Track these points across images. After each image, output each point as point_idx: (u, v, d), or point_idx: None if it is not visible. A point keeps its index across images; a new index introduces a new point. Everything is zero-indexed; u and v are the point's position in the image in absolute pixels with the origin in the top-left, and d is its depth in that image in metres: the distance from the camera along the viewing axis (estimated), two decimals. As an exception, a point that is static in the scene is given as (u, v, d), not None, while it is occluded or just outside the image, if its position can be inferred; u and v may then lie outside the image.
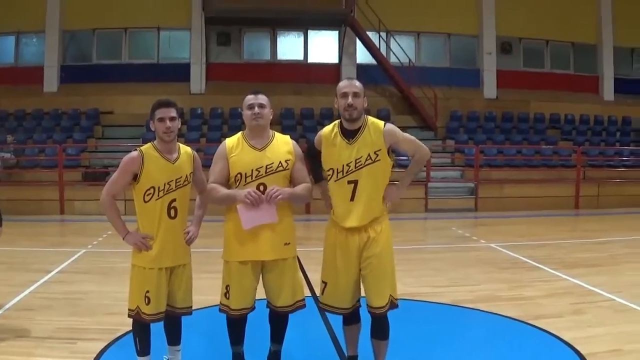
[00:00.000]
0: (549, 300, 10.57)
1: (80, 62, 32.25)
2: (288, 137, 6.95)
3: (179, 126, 6.72)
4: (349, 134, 6.54)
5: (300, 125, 29.91)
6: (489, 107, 32.70)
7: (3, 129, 27.47)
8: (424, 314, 9.90)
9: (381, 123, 6.59)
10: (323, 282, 6.79)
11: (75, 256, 14.95)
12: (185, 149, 6.83)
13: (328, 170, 6.62)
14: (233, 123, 28.34)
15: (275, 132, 6.91)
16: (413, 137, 6.82)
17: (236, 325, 6.79)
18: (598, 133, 32.29)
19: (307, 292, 6.92)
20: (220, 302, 6.76)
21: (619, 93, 34.77)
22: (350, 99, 6.43)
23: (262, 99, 6.71)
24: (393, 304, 6.57)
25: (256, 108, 6.62)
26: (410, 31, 33.44)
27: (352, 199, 6.49)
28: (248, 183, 6.53)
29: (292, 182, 6.75)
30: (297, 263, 6.91)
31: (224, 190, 6.60)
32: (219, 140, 23.80)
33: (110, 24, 31.71)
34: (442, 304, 10.44)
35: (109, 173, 24.87)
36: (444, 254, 15.93)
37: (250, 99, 6.71)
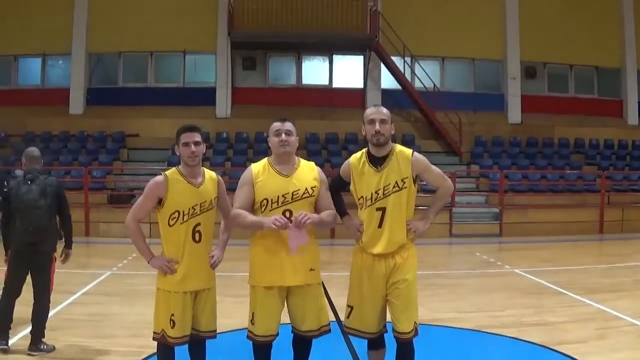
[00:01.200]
0: (573, 326, 10.52)
1: (106, 85, 32.45)
2: (313, 163, 6.99)
3: (204, 151, 6.76)
4: (377, 161, 6.58)
5: (325, 150, 29.94)
6: (513, 132, 32.62)
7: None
8: (448, 339, 9.87)
9: (409, 151, 6.64)
10: (349, 306, 6.79)
11: (100, 278, 15.04)
12: (210, 174, 6.87)
13: (359, 199, 6.66)
14: (258, 147, 28.40)
15: (301, 159, 6.94)
16: (439, 170, 6.87)
17: (261, 352, 6.76)
18: (622, 157, 32.10)
19: (332, 317, 6.90)
20: (248, 329, 6.77)
21: (643, 117, 34.59)
22: (377, 126, 6.47)
23: (289, 126, 6.73)
24: (417, 330, 6.57)
25: (283, 135, 6.65)
26: (435, 56, 33.44)
27: (379, 225, 6.52)
28: (274, 209, 6.55)
29: (317, 208, 6.77)
30: (322, 288, 6.91)
31: (250, 217, 6.61)
32: (244, 165, 23.98)
33: (136, 47, 31.92)
34: (466, 329, 10.42)
35: (134, 196, 24.97)
36: (468, 280, 15.93)
37: (277, 126, 6.73)
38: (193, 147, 6.57)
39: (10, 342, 8.86)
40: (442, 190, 6.83)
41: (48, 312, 9.06)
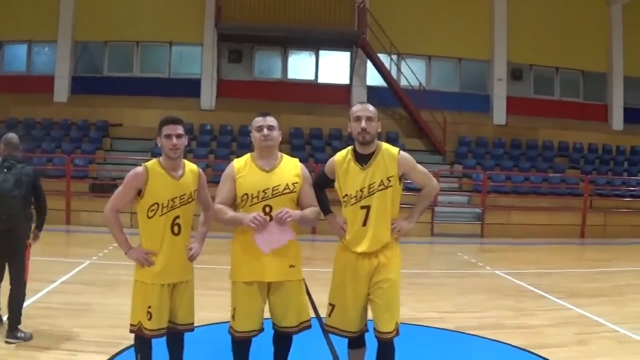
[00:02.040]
0: (553, 330, 10.52)
1: (91, 74, 32.31)
2: (297, 160, 6.95)
3: (186, 143, 6.73)
4: (362, 159, 6.55)
5: (309, 145, 29.95)
6: (498, 133, 32.71)
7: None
8: (428, 339, 9.85)
9: (395, 150, 6.62)
10: (330, 304, 6.76)
11: (80, 267, 14.98)
12: (190, 167, 6.84)
13: (343, 197, 6.63)
14: (242, 140, 28.34)
15: (284, 155, 6.91)
16: (425, 170, 6.85)
17: (239, 348, 6.73)
18: (606, 162, 32.28)
19: (312, 314, 6.85)
20: (229, 324, 6.73)
21: (628, 122, 34.66)
22: (363, 123, 6.44)
23: (271, 120, 6.70)
24: (398, 330, 6.54)
25: (265, 130, 6.62)
26: (422, 54, 33.45)
27: (364, 224, 6.49)
28: (254, 204, 6.52)
29: (299, 205, 6.74)
30: (303, 285, 6.87)
31: (230, 213, 6.59)
32: (228, 157, 23.95)
33: (123, 37, 31.78)
34: (446, 329, 10.40)
35: (117, 185, 24.67)
36: (449, 279, 15.93)
37: (259, 120, 6.70)
38: (175, 140, 6.53)
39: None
40: (428, 190, 6.82)
41: (24, 299, 9.05)
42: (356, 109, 6.61)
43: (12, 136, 9.31)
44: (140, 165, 6.66)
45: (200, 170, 6.93)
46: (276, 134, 6.71)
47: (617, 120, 34.71)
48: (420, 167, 6.76)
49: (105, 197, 22.78)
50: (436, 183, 6.91)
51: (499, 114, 33.46)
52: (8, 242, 8.81)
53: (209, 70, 31.65)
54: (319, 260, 15.36)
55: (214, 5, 30.81)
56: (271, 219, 6.46)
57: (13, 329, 8.74)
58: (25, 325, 8.85)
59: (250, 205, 6.50)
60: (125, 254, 6.62)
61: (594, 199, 28.54)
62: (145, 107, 29.93)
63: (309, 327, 6.82)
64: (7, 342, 8.62)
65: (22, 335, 8.74)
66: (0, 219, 8.63)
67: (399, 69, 32.66)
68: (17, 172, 8.84)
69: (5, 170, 8.79)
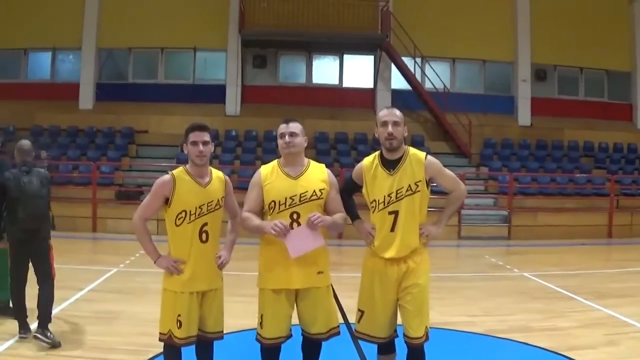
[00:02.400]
0: (582, 331, 10.46)
1: (116, 81, 32.49)
2: (323, 165, 6.95)
3: (212, 150, 6.74)
4: (390, 164, 6.54)
5: (335, 150, 29.89)
6: (523, 134, 32.58)
7: (37, 144, 27.57)
8: (457, 343, 9.81)
9: (422, 154, 6.61)
10: (360, 310, 6.75)
11: (107, 275, 15.02)
12: (217, 174, 6.84)
13: (371, 202, 6.62)
14: (267, 146, 28.36)
15: (311, 161, 6.91)
16: (452, 174, 6.83)
17: (269, 355, 6.74)
18: (631, 161, 32.04)
19: (341, 319, 6.85)
20: (256, 331, 6.74)
21: (653, 121, 34.50)
22: (390, 128, 6.44)
23: (293, 127, 6.69)
24: (427, 335, 6.51)
25: (287, 137, 6.63)
26: (445, 57, 33.38)
27: (392, 229, 6.48)
28: (282, 211, 6.53)
29: (326, 211, 6.73)
30: (331, 291, 6.87)
31: (256, 221, 6.61)
32: (254, 163, 24.01)
33: (147, 43, 31.91)
34: (475, 333, 10.37)
35: (143, 192, 24.98)
36: (477, 283, 15.81)
37: (282, 127, 6.71)
38: (201, 147, 6.54)
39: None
40: (456, 194, 6.80)
41: (53, 298, 9.27)
42: (383, 114, 6.60)
43: (25, 142, 9.51)
44: (167, 173, 6.68)
45: (227, 178, 6.93)
46: (299, 140, 6.71)
47: (642, 119, 34.52)
48: (447, 171, 6.74)
49: (131, 204, 22.98)
50: (464, 187, 6.90)
51: (524, 115, 33.33)
52: (34, 242, 9.04)
53: (233, 76, 31.66)
54: (346, 265, 15.38)
55: (237, 11, 30.90)
56: (299, 225, 6.47)
57: (44, 328, 8.87)
58: (54, 331, 8.91)
59: (278, 212, 6.52)
60: (154, 262, 6.63)
61: (620, 199, 28.37)
62: (171, 113, 30.07)
63: (338, 333, 6.82)
64: (35, 337, 8.78)
65: (52, 336, 8.83)
66: (30, 220, 8.85)
67: (423, 72, 32.59)
68: (37, 173, 9.03)
69: (26, 173, 8.94)
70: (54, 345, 8.75)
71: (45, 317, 8.94)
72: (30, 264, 9.14)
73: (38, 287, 9.08)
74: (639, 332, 10.51)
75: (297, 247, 6.40)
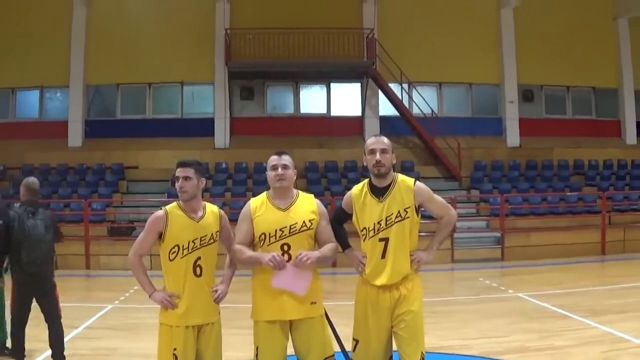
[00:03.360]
0: (579, 349, 10.51)
1: (105, 117, 32.51)
2: (312, 196, 6.98)
3: (199, 185, 6.75)
4: (379, 192, 6.59)
5: (325, 179, 29.90)
6: (512, 155, 32.62)
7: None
8: (454, 367, 9.83)
9: (411, 181, 6.66)
10: (354, 339, 6.75)
11: (103, 311, 15.02)
12: (211, 208, 6.86)
13: (362, 230, 6.65)
14: (258, 177, 28.36)
15: (300, 192, 6.94)
16: (442, 199, 6.87)
17: None
18: (622, 177, 32.06)
19: (336, 348, 6.84)
20: None
21: (641, 136, 34.62)
22: (378, 156, 6.50)
23: (285, 160, 6.72)
24: None
25: (279, 169, 6.65)
26: (432, 82, 33.49)
27: (383, 256, 6.51)
28: (272, 243, 6.55)
29: (317, 241, 6.76)
30: (325, 320, 6.86)
31: (248, 252, 6.63)
32: (244, 195, 24.05)
33: (134, 79, 31.99)
34: (472, 356, 10.39)
35: (135, 228, 25.00)
36: (472, 305, 15.85)
37: (273, 159, 6.74)
38: (181, 182, 6.60)
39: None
40: (446, 219, 6.83)
41: (64, 336, 9.36)
42: (370, 142, 6.66)
43: (34, 181, 9.51)
44: (161, 208, 6.72)
45: (222, 212, 6.95)
46: (290, 173, 6.73)
47: (630, 134, 34.60)
48: (437, 197, 6.78)
49: (124, 240, 22.94)
50: (454, 213, 6.95)
51: (513, 136, 33.40)
52: (38, 284, 9.10)
53: (221, 109, 31.72)
54: (341, 293, 15.32)
55: (223, 43, 30.94)
56: (289, 258, 6.50)
57: None
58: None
59: (269, 245, 6.53)
60: (150, 297, 6.64)
61: (612, 215, 28.39)
62: (160, 148, 30.11)
63: (333, 362, 6.81)
64: None
65: None
66: (34, 264, 8.94)
67: (410, 98, 32.67)
68: (43, 216, 9.05)
69: (31, 215, 8.94)
70: None
71: (60, 354, 9.07)
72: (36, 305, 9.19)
73: (48, 327, 9.13)
74: (636, 347, 10.56)
75: (285, 282, 6.45)
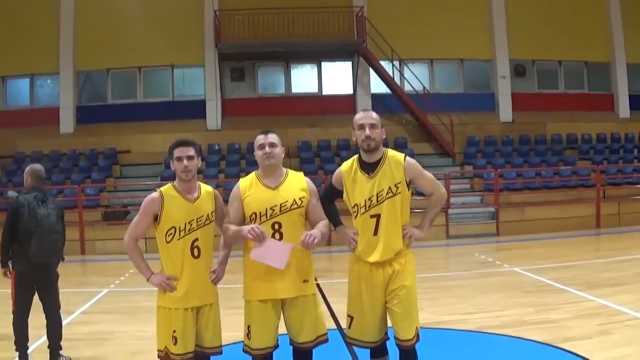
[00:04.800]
0: (576, 322, 10.50)
1: (96, 102, 32.47)
2: (301, 174, 6.94)
3: (199, 165, 6.73)
4: (369, 167, 6.54)
5: (318, 157, 29.92)
6: (505, 130, 32.64)
7: (20, 171, 27.53)
8: (450, 342, 9.82)
9: (401, 156, 6.60)
10: (349, 316, 6.74)
11: (98, 296, 15.00)
12: (206, 188, 6.83)
13: (353, 207, 6.61)
14: (250, 158, 28.21)
15: (289, 170, 6.89)
16: (433, 177, 6.81)
17: None
18: (616, 151, 32.09)
19: (331, 325, 6.82)
20: (243, 343, 6.74)
21: (634, 110, 34.55)
22: (367, 131, 6.43)
23: (272, 138, 6.67)
24: (418, 336, 6.52)
25: (267, 148, 6.61)
26: (423, 59, 33.46)
27: (375, 233, 6.48)
28: (263, 222, 6.51)
29: (307, 219, 6.74)
30: (318, 298, 6.87)
31: (232, 228, 6.60)
32: (238, 176, 23.97)
33: (124, 64, 31.95)
34: (468, 331, 10.39)
35: (129, 212, 24.99)
36: (467, 281, 15.82)
37: (260, 139, 6.70)
38: (185, 162, 6.52)
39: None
40: (435, 197, 6.78)
41: (62, 327, 9.28)
42: (359, 117, 6.60)
43: (39, 168, 9.32)
44: (155, 190, 6.67)
45: (217, 192, 6.92)
46: (278, 151, 6.69)
47: (623, 108, 34.60)
48: (427, 173, 6.73)
49: (118, 225, 22.91)
50: (444, 191, 6.89)
51: (505, 112, 33.39)
52: (45, 274, 9.04)
53: (212, 91, 31.69)
54: (336, 271, 15.37)
55: (212, 25, 30.88)
56: (281, 237, 6.49)
57: (56, 355, 9.02)
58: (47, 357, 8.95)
59: (260, 224, 6.48)
60: (147, 280, 6.61)
61: (606, 189, 28.40)
62: (152, 132, 30.11)
63: (326, 340, 6.80)
64: None
65: (64, 359, 9.06)
66: (45, 254, 8.81)
67: (402, 75, 32.65)
68: (54, 205, 8.97)
69: (41, 203, 8.83)
70: None
71: (56, 344, 9.05)
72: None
73: (46, 316, 9.09)
74: (632, 320, 10.54)
75: (264, 254, 6.39)
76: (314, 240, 6.37)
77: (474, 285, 14.91)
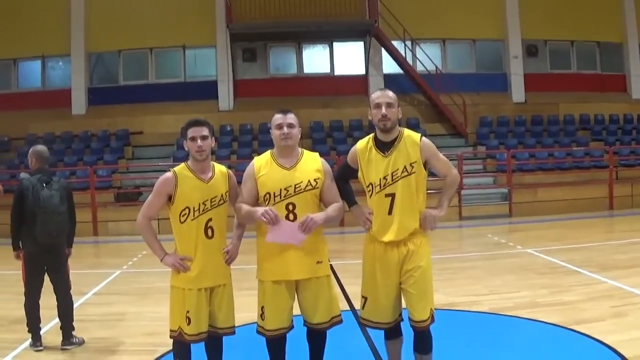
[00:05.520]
0: (589, 304, 10.46)
1: (108, 84, 32.43)
2: (317, 154, 6.91)
3: (213, 145, 6.71)
4: (384, 146, 6.49)
5: (330, 138, 29.86)
6: (518, 111, 32.53)
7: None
8: (464, 323, 9.80)
9: (417, 136, 6.55)
10: (363, 297, 6.71)
11: (111, 277, 15.03)
12: (220, 168, 6.81)
13: (368, 186, 6.57)
14: (263, 138, 28.22)
15: (304, 150, 6.86)
16: (446, 159, 6.76)
17: (275, 346, 6.74)
18: (628, 132, 31.86)
19: (344, 306, 6.80)
20: (257, 324, 6.74)
21: (647, 90, 34.39)
22: (384, 110, 6.38)
23: (290, 118, 6.63)
24: (433, 317, 6.49)
25: (285, 128, 6.57)
26: (435, 38, 33.29)
27: (389, 212, 6.43)
28: (277, 203, 6.49)
29: (322, 200, 6.71)
30: (332, 280, 6.85)
31: (245, 208, 6.57)
32: (250, 157, 23.86)
33: (136, 45, 31.83)
34: (482, 312, 10.37)
35: (141, 193, 24.98)
36: (481, 262, 15.80)
37: (278, 118, 6.64)
38: (200, 142, 6.51)
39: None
40: (450, 179, 6.70)
41: (73, 306, 9.30)
42: (375, 95, 6.54)
43: (43, 149, 9.32)
44: (169, 170, 6.66)
45: (230, 172, 6.89)
46: (296, 132, 6.66)
47: (636, 89, 34.32)
48: (441, 155, 6.68)
49: (130, 206, 22.94)
50: (457, 173, 6.83)
51: (518, 92, 33.24)
52: (53, 255, 9.03)
53: (224, 72, 31.62)
54: (350, 252, 15.33)
55: (224, 5, 30.76)
56: (294, 218, 6.47)
57: (68, 336, 9.05)
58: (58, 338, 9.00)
59: (274, 204, 6.47)
60: (161, 260, 6.62)
61: (619, 170, 28.28)
62: (164, 113, 30.09)
63: (340, 322, 6.80)
64: (63, 349, 8.90)
65: (76, 340, 9.09)
66: (50, 235, 8.81)
67: (414, 55, 32.54)
68: (58, 186, 8.95)
69: (45, 184, 8.83)
70: (80, 344, 9.10)
71: (68, 325, 9.07)
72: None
73: (57, 298, 9.13)
74: (645, 302, 10.50)
75: (279, 236, 6.39)
76: (313, 224, 6.37)
77: (487, 267, 14.91)
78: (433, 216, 6.52)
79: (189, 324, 6.48)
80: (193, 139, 6.53)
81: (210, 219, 6.56)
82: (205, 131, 6.57)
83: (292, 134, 6.59)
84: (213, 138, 6.72)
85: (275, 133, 6.62)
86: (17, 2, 30.93)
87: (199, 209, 6.50)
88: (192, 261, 6.51)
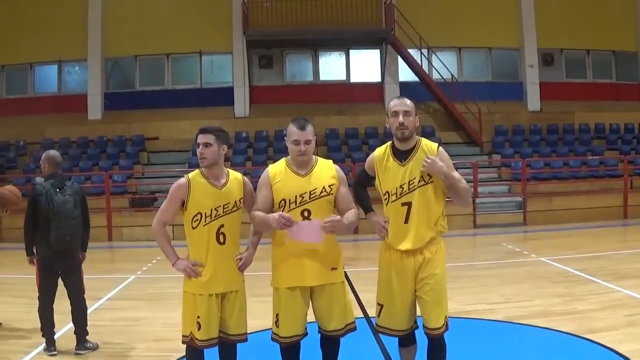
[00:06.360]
0: (603, 313, 10.45)
1: (124, 89, 32.52)
2: (331, 161, 6.91)
3: (222, 152, 6.73)
4: (402, 155, 6.50)
5: (345, 145, 29.83)
6: (533, 119, 32.46)
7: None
8: (478, 332, 9.81)
9: (435, 145, 6.56)
10: (379, 304, 6.72)
11: (125, 283, 15.06)
12: (235, 175, 6.85)
13: (384, 194, 6.57)
14: (278, 145, 28.29)
15: (319, 157, 6.87)
16: (459, 175, 6.64)
17: (289, 354, 6.75)
18: (643, 141, 31.81)
19: (358, 313, 6.81)
20: (272, 331, 6.74)
21: (662, 99, 34.30)
22: (401, 118, 6.38)
23: (308, 134, 6.58)
24: (447, 325, 6.50)
25: (302, 145, 6.55)
26: (452, 47, 33.29)
27: (406, 221, 6.43)
28: (292, 209, 6.50)
29: (336, 207, 6.72)
30: (346, 286, 6.85)
31: (260, 215, 6.58)
32: (265, 163, 23.97)
33: (152, 50, 31.93)
34: (496, 321, 10.37)
35: (156, 199, 25.03)
36: (495, 270, 15.76)
37: (296, 133, 6.57)
38: (201, 149, 6.58)
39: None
40: (463, 188, 6.57)
41: (86, 311, 9.35)
42: (393, 104, 6.55)
43: (55, 154, 9.36)
44: (183, 177, 6.70)
45: (246, 179, 6.92)
46: (312, 146, 6.66)
47: (651, 98, 34.33)
48: (455, 171, 6.58)
49: (145, 212, 22.93)
50: (468, 187, 6.75)
51: (533, 101, 33.19)
52: (67, 260, 9.05)
53: (240, 78, 31.67)
54: (364, 259, 15.36)
55: (240, 12, 30.81)
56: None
57: (82, 341, 9.08)
58: (75, 343, 9.02)
59: (289, 211, 6.48)
60: (173, 265, 6.67)
61: (634, 179, 28.22)
62: (180, 119, 30.14)
63: (355, 329, 6.81)
64: (77, 354, 8.93)
65: (91, 345, 9.11)
66: (64, 240, 8.85)
67: (430, 63, 32.52)
68: (72, 191, 8.98)
69: (58, 190, 8.87)
70: (94, 349, 9.11)
71: (82, 330, 9.11)
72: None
73: (71, 303, 9.16)
74: (659, 311, 10.49)
75: (299, 235, 6.39)
76: (341, 225, 6.39)
77: (501, 275, 14.88)
78: (438, 165, 6.37)
79: (199, 329, 6.51)
80: (198, 145, 6.62)
81: (222, 225, 6.58)
82: (209, 139, 6.61)
83: (308, 151, 6.60)
84: (224, 146, 6.73)
85: (291, 147, 6.61)
86: (34, 7, 31.05)
87: (210, 215, 6.54)
88: (203, 267, 6.55)
